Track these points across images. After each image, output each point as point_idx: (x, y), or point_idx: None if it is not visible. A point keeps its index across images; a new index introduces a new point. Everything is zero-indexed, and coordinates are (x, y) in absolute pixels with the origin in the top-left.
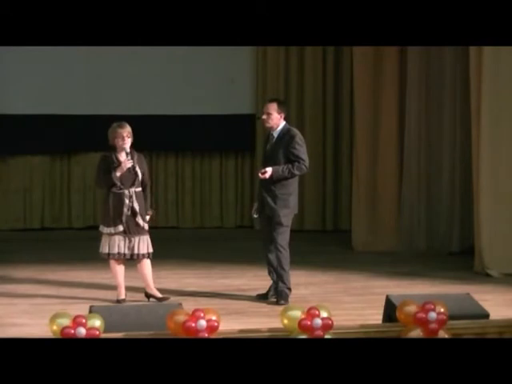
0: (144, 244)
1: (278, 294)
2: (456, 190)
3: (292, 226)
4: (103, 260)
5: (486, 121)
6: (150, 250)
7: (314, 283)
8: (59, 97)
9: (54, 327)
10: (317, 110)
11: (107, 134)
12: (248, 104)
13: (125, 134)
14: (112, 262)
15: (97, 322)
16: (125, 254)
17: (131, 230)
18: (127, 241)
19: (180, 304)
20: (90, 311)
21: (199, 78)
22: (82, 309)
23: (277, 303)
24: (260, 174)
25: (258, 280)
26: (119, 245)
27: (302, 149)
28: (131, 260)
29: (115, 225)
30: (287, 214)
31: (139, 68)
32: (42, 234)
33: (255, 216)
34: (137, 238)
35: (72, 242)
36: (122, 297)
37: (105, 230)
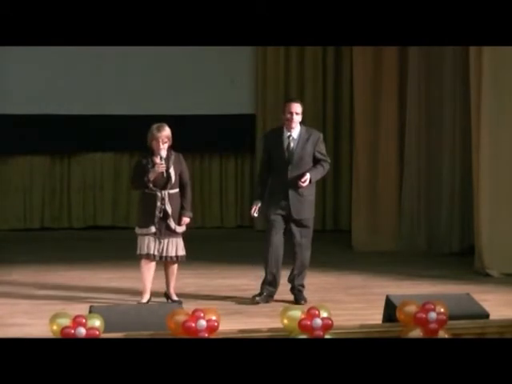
0: (173, 247)
1: (296, 294)
2: (456, 191)
3: None
4: (137, 261)
5: (485, 121)
6: (180, 253)
7: (314, 283)
8: (59, 97)
9: (54, 327)
10: (317, 109)
11: (108, 134)
12: (248, 104)
13: (161, 140)
14: (141, 264)
15: (97, 322)
16: (154, 256)
17: (162, 232)
18: (157, 242)
19: (180, 304)
20: (90, 311)
21: (199, 77)
22: (82, 309)
23: (297, 303)
24: (301, 183)
25: (259, 280)
26: (149, 246)
27: (324, 148)
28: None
29: (147, 226)
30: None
31: (139, 68)
32: (42, 234)
33: (255, 215)
34: (166, 240)
35: (72, 241)
36: (144, 301)
37: (138, 230)
